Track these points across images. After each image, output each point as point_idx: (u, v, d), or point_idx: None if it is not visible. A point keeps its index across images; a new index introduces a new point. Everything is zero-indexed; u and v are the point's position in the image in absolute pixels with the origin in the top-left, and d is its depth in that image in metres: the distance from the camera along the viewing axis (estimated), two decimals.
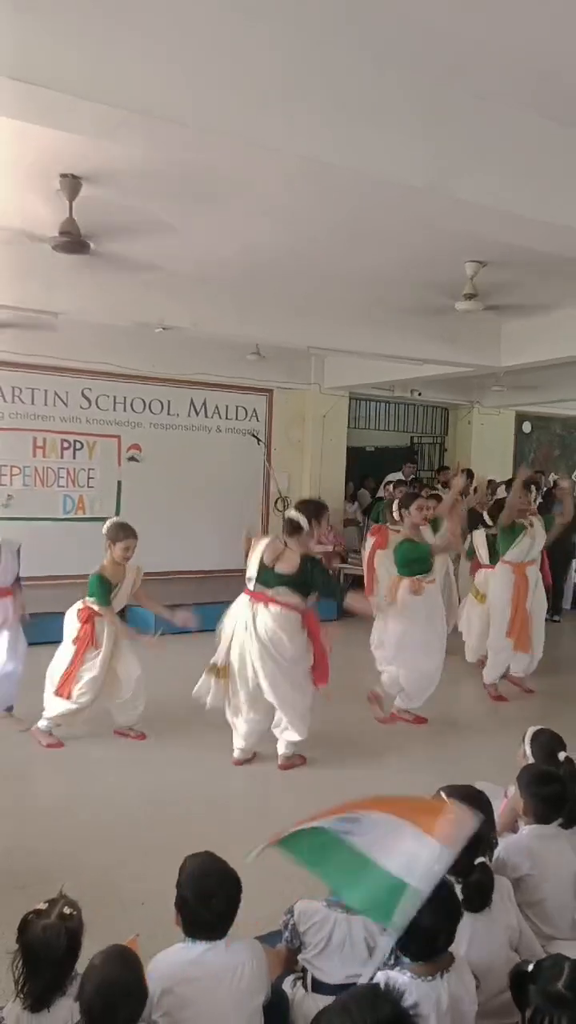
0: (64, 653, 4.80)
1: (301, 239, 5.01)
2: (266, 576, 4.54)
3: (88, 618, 4.79)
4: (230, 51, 2.57)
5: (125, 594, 4.94)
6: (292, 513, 4.69)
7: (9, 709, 5.10)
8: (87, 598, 4.85)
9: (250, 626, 4.49)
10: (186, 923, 2.03)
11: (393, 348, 7.19)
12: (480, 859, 2.12)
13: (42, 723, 4.83)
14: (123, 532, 4.88)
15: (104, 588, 4.80)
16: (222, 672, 4.58)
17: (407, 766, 4.65)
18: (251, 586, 4.61)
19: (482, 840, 2.19)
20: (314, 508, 4.72)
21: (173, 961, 2.00)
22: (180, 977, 1.95)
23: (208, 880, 2.04)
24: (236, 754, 4.65)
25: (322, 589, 4.71)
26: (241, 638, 4.53)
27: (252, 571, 4.61)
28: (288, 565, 4.53)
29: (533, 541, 6.09)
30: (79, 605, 4.87)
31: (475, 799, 2.48)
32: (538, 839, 2.55)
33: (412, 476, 10.56)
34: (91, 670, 4.73)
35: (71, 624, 4.83)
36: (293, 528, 4.62)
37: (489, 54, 2.77)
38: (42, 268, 5.34)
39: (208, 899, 2.01)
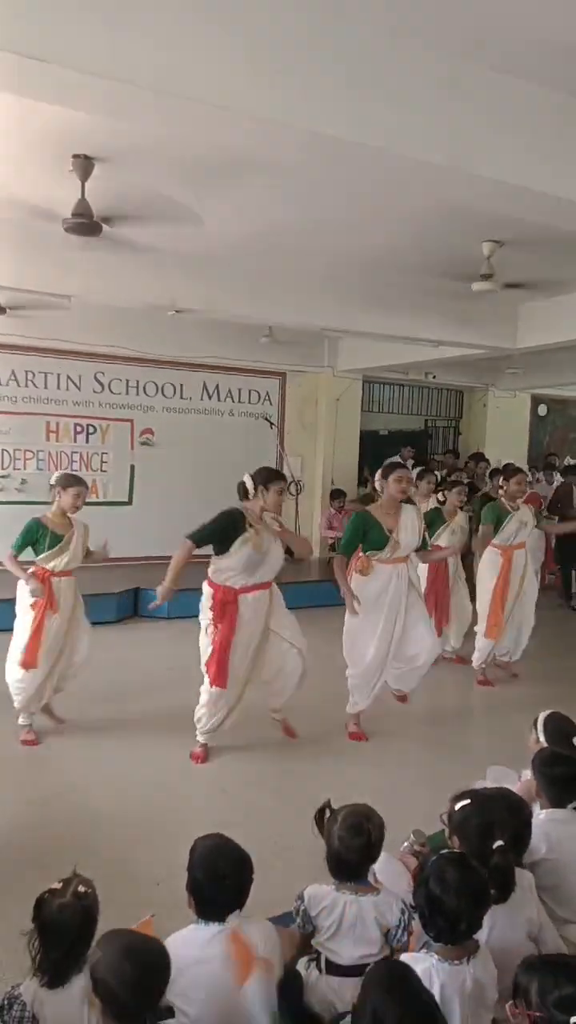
0: (22, 623, 4.44)
1: (316, 219, 4.95)
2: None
3: (43, 579, 4.43)
4: (244, 27, 2.52)
5: (77, 551, 4.55)
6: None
7: None
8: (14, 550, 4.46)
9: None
10: (199, 905, 2.04)
11: (408, 330, 7.13)
12: (498, 843, 2.11)
13: (20, 719, 4.52)
14: (74, 479, 4.59)
15: (28, 534, 4.45)
16: None
17: (414, 755, 4.66)
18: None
19: (494, 826, 2.18)
20: (262, 475, 4.51)
21: (186, 943, 2.01)
22: (193, 958, 1.97)
23: (221, 861, 2.05)
24: None
25: None
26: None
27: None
28: None
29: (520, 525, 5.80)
30: (31, 569, 4.47)
31: (511, 806, 2.42)
32: (554, 822, 2.54)
33: (410, 459, 10.48)
34: (50, 636, 4.41)
35: (23, 591, 4.44)
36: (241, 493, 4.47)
37: (508, 29, 2.71)
38: (55, 250, 5.32)
39: (221, 880, 2.02)
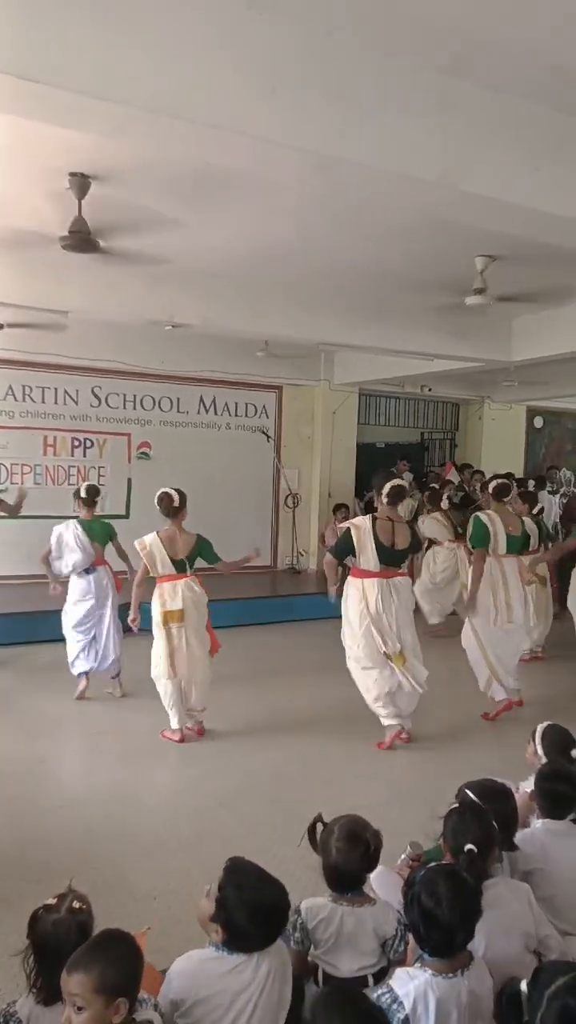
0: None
1: (311, 235, 5.00)
2: (392, 555, 4.69)
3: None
4: (238, 48, 2.57)
5: None
6: (397, 482, 4.80)
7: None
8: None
9: (395, 600, 4.66)
10: (230, 937, 1.95)
11: (403, 343, 7.17)
12: (468, 846, 2.11)
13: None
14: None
15: None
16: (399, 657, 4.66)
17: (420, 759, 4.65)
18: (377, 568, 4.66)
19: (466, 832, 2.18)
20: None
21: (206, 971, 1.95)
22: (214, 988, 1.91)
23: (265, 902, 1.96)
24: (396, 723, 4.72)
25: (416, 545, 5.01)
26: (390, 617, 4.64)
27: (372, 555, 4.64)
28: (404, 538, 4.74)
29: None
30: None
31: (494, 792, 2.47)
32: (550, 834, 2.54)
33: (406, 471, 10.51)
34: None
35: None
36: (400, 497, 4.79)
37: (498, 47, 2.76)
38: (52, 267, 5.37)
39: (261, 920, 1.95)
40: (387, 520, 4.70)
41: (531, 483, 9.56)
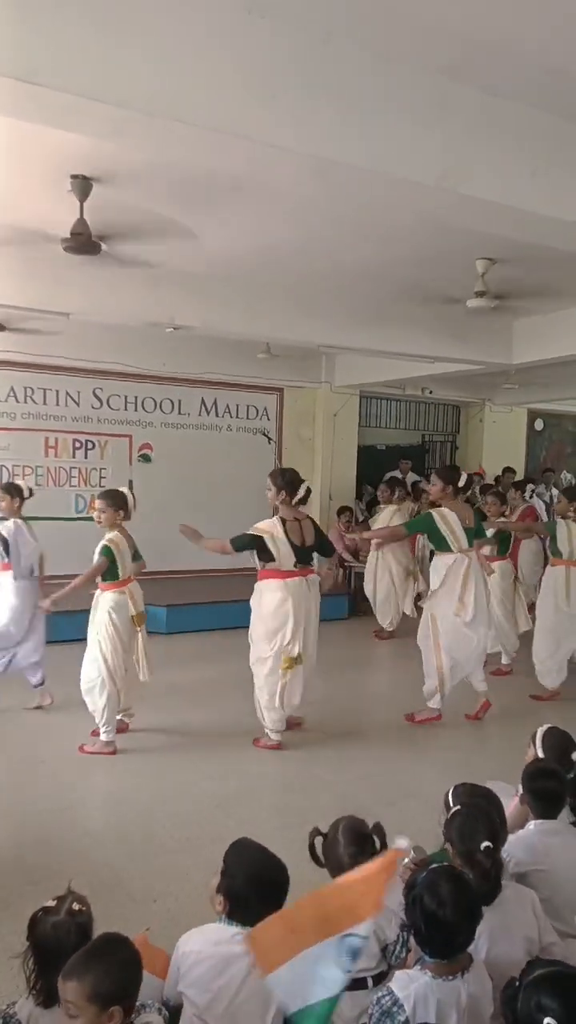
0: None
1: (311, 238, 5.01)
2: (303, 553, 4.76)
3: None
4: (237, 51, 2.58)
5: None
6: (306, 485, 4.85)
7: None
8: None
9: (309, 597, 4.71)
10: (233, 907, 2.05)
11: (403, 346, 7.18)
12: (485, 843, 2.12)
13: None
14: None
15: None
16: (300, 659, 4.68)
17: (416, 762, 4.64)
18: (295, 566, 4.70)
19: (479, 831, 2.19)
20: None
21: (207, 939, 2.03)
22: (212, 952, 1.99)
23: (267, 870, 2.08)
24: (279, 737, 4.74)
25: (326, 544, 5.00)
26: (306, 617, 4.68)
27: (289, 554, 4.68)
28: (311, 534, 4.80)
29: None
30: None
31: (484, 797, 2.48)
32: (544, 834, 2.54)
33: (409, 472, 10.52)
34: None
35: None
36: (307, 496, 4.82)
37: (496, 51, 2.77)
38: (53, 269, 5.38)
39: (264, 888, 2.05)
40: (294, 520, 4.75)
41: (529, 486, 9.56)
